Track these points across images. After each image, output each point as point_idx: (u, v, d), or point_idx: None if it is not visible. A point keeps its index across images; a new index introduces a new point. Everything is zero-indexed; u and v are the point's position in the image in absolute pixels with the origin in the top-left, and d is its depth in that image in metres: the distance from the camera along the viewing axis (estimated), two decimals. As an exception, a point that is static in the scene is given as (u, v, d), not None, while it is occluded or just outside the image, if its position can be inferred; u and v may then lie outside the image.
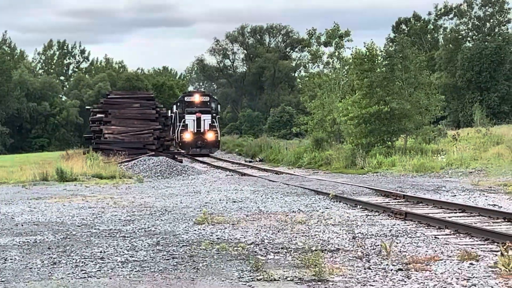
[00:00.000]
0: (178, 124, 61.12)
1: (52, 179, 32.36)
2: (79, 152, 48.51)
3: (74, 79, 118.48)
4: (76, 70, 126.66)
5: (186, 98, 62.79)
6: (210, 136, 60.10)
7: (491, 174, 29.45)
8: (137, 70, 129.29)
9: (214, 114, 61.81)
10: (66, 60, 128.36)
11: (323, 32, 52.83)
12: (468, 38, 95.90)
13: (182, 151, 55.81)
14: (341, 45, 51.37)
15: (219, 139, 62.12)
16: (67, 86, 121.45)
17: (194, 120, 60.00)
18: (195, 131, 59.88)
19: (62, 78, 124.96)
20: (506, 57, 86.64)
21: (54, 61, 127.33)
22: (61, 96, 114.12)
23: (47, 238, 14.93)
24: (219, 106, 66.52)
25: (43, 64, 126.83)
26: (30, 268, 11.72)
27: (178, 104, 63.29)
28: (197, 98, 62.13)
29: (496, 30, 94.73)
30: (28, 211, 20.08)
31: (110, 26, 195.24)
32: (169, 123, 62.29)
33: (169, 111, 68.30)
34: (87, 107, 68.41)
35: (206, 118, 60.30)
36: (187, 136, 60.00)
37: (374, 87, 39.78)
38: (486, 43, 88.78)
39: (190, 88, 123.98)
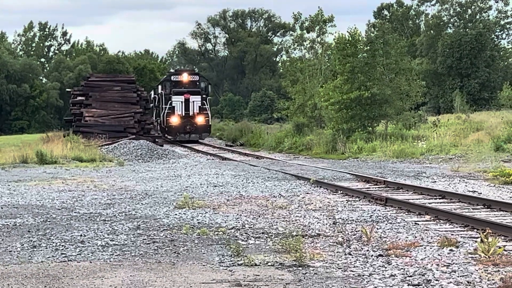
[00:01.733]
0: (163, 106, 55.14)
1: (32, 162, 32.20)
2: (59, 134, 48.25)
3: (54, 61, 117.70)
4: (57, 52, 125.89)
5: (173, 77, 56.89)
6: (200, 120, 54.23)
7: (470, 161, 29.57)
8: (118, 53, 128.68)
9: (204, 96, 55.74)
10: (47, 42, 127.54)
11: (307, 18, 52.82)
12: (450, 25, 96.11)
13: (169, 136, 53.90)
14: (325, 30, 51.36)
15: (210, 123, 56.17)
16: (48, 68, 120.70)
17: (182, 102, 54.10)
18: (183, 114, 53.97)
19: (42, 60, 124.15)
20: (487, 44, 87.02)
21: (35, 43, 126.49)
22: (41, 78, 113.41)
23: (27, 221, 14.86)
24: (209, 86, 60.16)
25: (24, 46, 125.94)
26: (9, 251, 11.66)
27: (164, 83, 57.37)
28: (185, 77, 56.37)
29: (478, 17, 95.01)
30: (7, 194, 19.97)
31: (92, 8, 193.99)
32: (150, 106, 61.63)
33: (152, 93, 65.42)
34: (67, 89, 67.48)
35: (196, 100, 54.40)
36: (174, 120, 54.02)
37: (355, 72, 39.80)
38: (467, 29, 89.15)
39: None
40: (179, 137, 53.75)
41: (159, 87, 58.21)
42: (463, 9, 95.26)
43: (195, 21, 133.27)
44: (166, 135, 54.77)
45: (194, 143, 52.19)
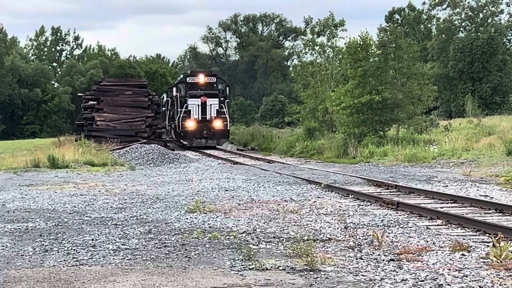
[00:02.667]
0: (178, 110, 51.77)
1: (44, 166, 32.29)
2: (71, 139, 48.44)
3: (66, 65, 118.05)
4: (69, 56, 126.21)
5: (188, 79, 53.45)
6: (217, 124, 51.15)
7: (482, 165, 29.48)
8: (130, 57, 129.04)
9: (222, 98, 52.47)
10: (59, 47, 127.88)
11: (318, 22, 52.92)
12: (461, 29, 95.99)
13: (184, 142, 51.20)
14: (335, 34, 51.42)
15: (228, 128, 53.00)
16: (59, 72, 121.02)
17: (198, 105, 50.96)
18: (200, 118, 50.87)
19: (54, 64, 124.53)
20: (498, 48, 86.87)
21: (47, 47, 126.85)
22: (53, 82, 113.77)
23: (38, 225, 14.89)
24: (227, 88, 56.36)
25: (36, 51, 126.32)
26: (21, 255, 11.68)
27: (179, 86, 53.80)
28: (201, 79, 52.92)
29: (489, 21, 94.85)
30: (19, 198, 20.02)
31: (104, 12, 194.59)
32: (162, 110, 61.32)
33: (164, 96, 62.82)
34: (79, 94, 67.57)
35: (213, 103, 51.22)
36: (190, 125, 50.92)
37: (367, 76, 39.75)
38: (478, 33, 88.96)
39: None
40: (195, 143, 50.96)
41: (174, 89, 54.58)
42: (475, 13, 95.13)
43: (207, 26, 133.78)
44: (181, 140, 51.95)
45: (211, 149, 49.78)
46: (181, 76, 58.95)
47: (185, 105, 51.17)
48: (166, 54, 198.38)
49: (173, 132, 55.51)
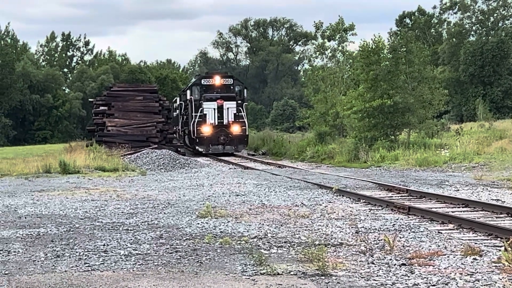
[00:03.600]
0: (193, 114, 48.77)
1: (55, 172, 32.38)
2: (82, 144, 48.57)
3: (77, 71, 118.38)
4: (80, 62, 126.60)
5: (203, 81, 50.47)
6: (235, 129, 48.27)
7: (494, 169, 29.41)
8: (140, 62, 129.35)
9: (240, 101, 49.41)
10: (70, 52, 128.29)
11: (328, 26, 52.96)
12: (472, 33, 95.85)
13: (200, 149, 48.29)
14: (345, 38, 51.44)
15: (247, 133, 49.92)
16: (70, 78, 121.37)
17: (214, 108, 48.06)
18: (216, 123, 48.03)
19: (65, 70, 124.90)
20: (510, 52, 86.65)
21: (57, 53, 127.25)
22: (64, 88, 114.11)
23: (50, 230, 14.94)
24: (245, 90, 52.62)
25: (46, 56, 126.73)
26: (33, 261, 11.72)
27: (193, 88, 50.70)
28: (217, 81, 50.08)
29: (500, 25, 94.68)
30: (31, 204, 20.09)
31: (115, 18, 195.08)
32: (174, 115, 61.00)
33: (177, 99, 60.79)
34: (90, 99, 67.66)
35: (231, 106, 48.35)
36: (206, 130, 48.06)
37: (378, 80, 39.71)
38: (489, 37, 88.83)
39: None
40: (211, 149, 48.01)
41: (188, 92, 51.21)
42: (485, 16, 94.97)
43: (217, 31, 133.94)
44: (196, 147, 48.81)
45: (228, 156, 47.06)
46: (195, 78, 54.78)
47: (200, 109, 48.28)
48: (176, 59, 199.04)
49: (187, 138, 52.86)
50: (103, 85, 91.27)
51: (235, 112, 48.39)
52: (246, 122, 49.53)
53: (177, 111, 60.08)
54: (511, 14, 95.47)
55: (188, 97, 50.27)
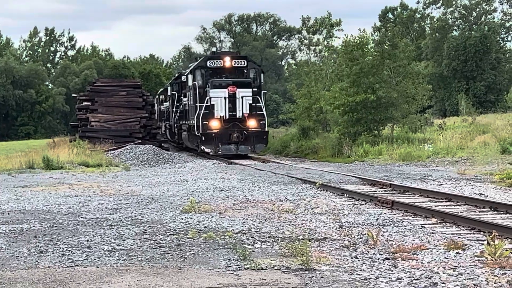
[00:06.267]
0: (196, 105, 39.05)
1: (39, 167, 32.26)
2: (65, 140, 48.48)
3: (60, 66, 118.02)
4: (63, 57, 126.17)
5: (209, 63, 40.25)
6: (252, 124, 38.51)
7: (477, 163, 29.53)
8: (124, 58, 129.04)
9: (257, 89, 39.62)
10: (53, 48, 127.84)
11: (316, 19, 53.04)
12: (455, 27, 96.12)
13: (206, 149, 39.06)
14: (332, 34, 51.51)
15: (266, 129, 39.86)
16: (53, 73, 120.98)
17: (225, 97, 38.09)
18: (227, 116, 38.24)
19: (48, 65, 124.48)
20: (492, 46, 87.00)
21: (41, 48, 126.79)
22: (47, 83, 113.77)
23: (33, 226, 14.88)
24: (262, 75, 41.73)
25: (29, 52, 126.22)
26: (16, 256, 11.67)
27: (195, 72, 40.42)
28: (228, 62, 39.99)
29: (482, 19, 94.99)
30: (14, 199, 20.00)
31: (101, 13, 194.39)
32: (158, 110, 60.28)
33: (169, 89, 52.68)
34: (73, 94, 67.24)
35: (246, 95, 38.36)
36: (214, 125, 38.37)
37: (362, 75, 39.73)
38: (472, 32, 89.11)
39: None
40: (221, 150, 38.58)
41: (189, 77, 41.18)
42: (468, 11, 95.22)
43: (201, 26, 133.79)
44: (202, 146, 39.10)
45: (241, 158, 38.38)
46: (199, 59, 43.28)
47: (206, 98, 38.38)
48: (161, 55, 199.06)
49: (185, 135, 43.50)
50: (87, 81, 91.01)
51: (251, 102, 38.55)
52: (266, 115, 39.93)
53: (166, 103, 54.84)
54: (494, 9, 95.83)
55: (190, 83, 40.80)
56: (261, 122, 38.88)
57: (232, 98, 38.09)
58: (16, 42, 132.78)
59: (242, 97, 38.18)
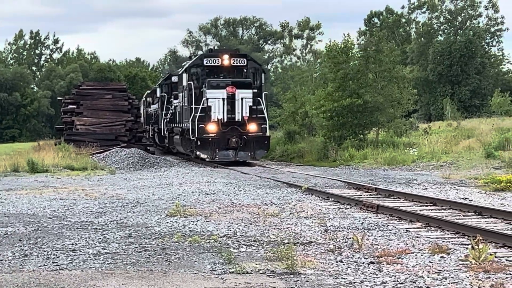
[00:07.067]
0: (191, 107, 36.20)
1: (23, 171, 32.14)
2: (50, 143, 48.26)
3: (45, 69, 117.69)
4: (48, 60, 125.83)
5: (206, 61, 37.31)
6: (252, 127, 35.89)
7: (461, 168, 29.63)
8: (109, 61, 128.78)
9: (258, 90, 36.95)
10: (38, 50, 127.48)
11: (295, 25, 53.16)
12: (440, 32, 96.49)
13: (202, 155, 36.27)
14: (313, 37, 51.59)
15: (267, 133, 37.31)
16: (39, 76, 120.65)
17: (223, 99, 35.30)
18: (225, 119, 35.48)
19: (33, 68, 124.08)
20: (477, 51, 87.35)
21: (26, 51, 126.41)
22: (32, 86, 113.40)
23: (18, 230, 14.83)
24: (263, 75, 39.21)
25: (14, 54, 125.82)
26: (0, 260, 11.62)
27: (191, 71, 37.89)
28: (226, 61, 37.05)
29: (468, 24, 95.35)
30: (-1, 203, 19.92)
31: (86, 15, 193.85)
32: (145, 113, 59.91)
33: (158, 90, 51.15)
34: (58, 98, 66.91)
35: (246, 96, 35.61)
36: (211, 128, 35.65)
37: (347, 79, 39.79)
38: (457, 37, 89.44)
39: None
40: (219, 156, 35.80)
41: (183, 77, 38.35)
42: (453, 16, 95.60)
43: (187, 29, 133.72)
44: (197, 152, 36.42)
45: (239, 164, 35.62)
46: (194, 58, 40.81)
47: (203, 99, 35.67)
48: (147, 58, 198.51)
49: (179, 139, 40.50)
50: (72, 84, 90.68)
51: (252, 104, 35.84)
52: (267, 118, 37.50)
53: (154, 105, 53.18)
54: (479, 14, 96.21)
55: (185, 82, 37.94)
56: (262, 126, 36.42)
57: (230, 100, 35.45)
58: (1, 45, 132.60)
59: (241, 99, 35.52)
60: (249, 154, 36.02)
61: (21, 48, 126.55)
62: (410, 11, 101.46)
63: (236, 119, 35.53)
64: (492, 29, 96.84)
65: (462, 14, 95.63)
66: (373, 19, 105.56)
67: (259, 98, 36.28)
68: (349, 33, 43.60)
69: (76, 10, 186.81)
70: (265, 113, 36.71)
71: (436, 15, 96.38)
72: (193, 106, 35.80)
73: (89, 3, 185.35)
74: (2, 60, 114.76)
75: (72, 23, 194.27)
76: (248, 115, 35.59)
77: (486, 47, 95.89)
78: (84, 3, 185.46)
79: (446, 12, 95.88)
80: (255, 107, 35.90)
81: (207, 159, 35.99)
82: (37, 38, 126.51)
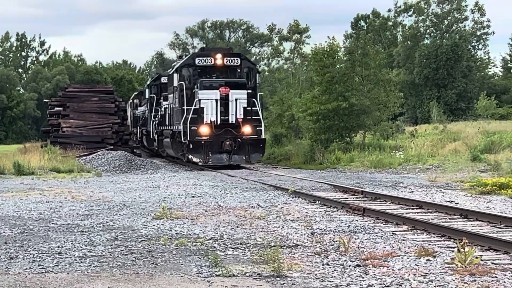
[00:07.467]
0: (182, 108, 34.66)
1: (9, 173, 32.03)
2: (36, 145, 48.10)
3: (32, 71, 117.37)
4: (35, 62, 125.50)
5: (198, 61, 35.39)
6: (247, 130, 34.22)
7: (448, 171, 29.70)
8: (96, 63, 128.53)
9: (252, 90, 35.01)
10: (24, 53, 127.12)
11: (284, 28, 53.28)
12: (426, 35, 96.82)
13: (194, 159, 34.64)
14: (302, 41, 51.67)
15: (263, 135, 35.41)
16: (25, 78, 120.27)
17: (216, 100, 33.68)
18: (219, 121, 33.90)
19: (19, 70, 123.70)
20: (463, 55, 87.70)
21: (12, 53, 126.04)
22: (18, 88, 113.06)
23: (3, 232, 14.77)
24: (257, 75, 37.20)
25: (1, 57, 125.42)
26: (-14, 263, 11.59)
27: (183, 71, 35.84)
28: (219, 60, 35.16)
29: (454, 28, 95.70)
30: (-16, 205, 19.84)
31: (74, 18, 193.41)
32: (132, 115, 59.66)
33: (147, 91, 48.85)
34: (45, 100, 66.60)
35: (240, 97, 33.93)
36: (204, 131, 33.98)
37: (334, 82, 39.83)
38: (443, 40, 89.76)
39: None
40: (212, 159, 34.25)
41: (174, 77, 36.48)
42: (440, 20, 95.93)
43: (173, 32, 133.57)
44: (189, 155, 34.82)
45: (226, 167, 34.10)
46: (186, 57, 39.06)
47: (195, 100, 34.03)
48: (133, 60, 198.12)
49: (170, 142, 38.86)
50: (58, 86, 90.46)
51: (246, 105, 34.16)
52: (262, 120, 35.66)
53: (142, 107, 51.76)
54: (465, 17, 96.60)
55: (176, 83, 36.09)
56: (257, 128, 34.67)
57: (224, 101, 33.80)
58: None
59: (235, 100, 33.82)
60: (244, 157, 34.54)
61: (7, 50, 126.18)
62: (396, 15, 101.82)
63: (230, 121, 34.03)
64: (478, 33, 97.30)
65: (448, 18, 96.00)
66: (359, 22, 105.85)
67: (254, 99, 34.59)
68: (334, 36, 43.65)
69: (62, 12, 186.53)
70: (260, 114, 35.20)
71: (422, 19, 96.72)
72: (185, 107, 34.39)
73: (76, 5, 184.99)
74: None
75: (59, 25, 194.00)
76: (242, 117, 34.04)
77: (472, 50, 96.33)
78: (71, 5, 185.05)
79: (433, 15, 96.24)
80: (249, 108, 34.26)
81: (200, 163, 34.50)
82: (23, 40, 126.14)
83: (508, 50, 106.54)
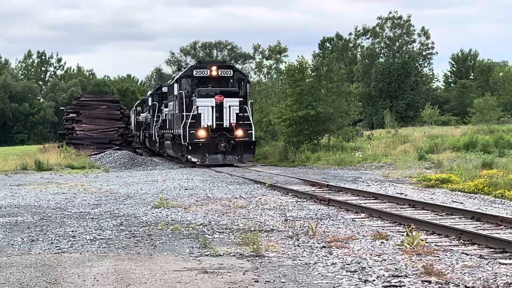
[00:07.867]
0: (183, 114, 33.82)
1: (31, 169, 31.86)
2: (54, 146, 47.82)
3: (50, 84, 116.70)
4: (53, 76, 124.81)
5: (195, 72, 34.73)
6: (239, 133, 33.60)
7: (398, 168, 29.78)
8: (104, 77, 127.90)
9: (243, 98, 34.41)
10: (44, 68, 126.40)
11: (266, 48, 53.36)
12: (381, 55, 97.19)
13: (193, 159, 33.72)
14: (281, 60, 51.79)
15: (253, 138, 34.72)
16: (44, 89, 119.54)
17: (212, 107, 33.09)
18: (214, 126, 33.22)
19: (40, 83, 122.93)
20: (411, 71, 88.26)
21: (34, 68, 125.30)
22: (39, 98, 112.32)
23: (26, 219, 14.69)
24: (248, 85, 36.26)
25: (24, 71, 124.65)
26: (12, 244, 11.52)
27: (183, 81, 34.96)
28: (214, 72, 34.56)
29: (404, 49, 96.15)
30: (10, 196, 19.72)
31: (85, 38, 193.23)
32: (135, 121, 59.45)
33: (149, 100, 47.77)
34: (61, 108, 66.32)
35: (233, 104, 33.40)
36: (201, 134, 33.31)
37: (303, 94, 39.85)
38: (395, 59, 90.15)
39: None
40: (209, 160, 33.42)
41: (175, 86, 35.73)
42: (392, 42, 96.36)
43: (170, 51, 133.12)
44: (188, 156, 33.87)
45: (219, 165, 33.13)
46: (184, 69, 39.20)
47: (193, 107, 33.34)
48: (137, 74, 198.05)
49: (170, 144, 37.57)
50: (73, 96, 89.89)
51: (238, 111, 33.59)
52: (253, 125, 34.86)
53: (144, 113, 50.49)
54: (413, 40, 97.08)
55: (176, 92, 35.38)
56: (249, 131, 33.92)
57: (219, 107, 33.11)
58: (13, 63, 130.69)
59: (229, 107, 33.20)
60: (237, 157, 33.87)
61: (30, 65, 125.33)
62: (356, 37, 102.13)
63: (224, 126, 33.35)
64: (424, 53, 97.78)
65: (399, 40, 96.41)
66: (325, 43, 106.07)
67: (245, 106, 34.02)
68: (303, 55, 43.76)
69: (76, 34, 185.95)
70: (251, 119, 34.40)
71: (378, 41, 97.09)
72: (184, 113, 33.60)
73: (88, 28, 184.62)
74: (14, 75, 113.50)
75: (74, 45, 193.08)
76: (235, 121, 33.41)
77: (419, 67, 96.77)
78: (84, 28, 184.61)
79: (386, 38, 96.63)
80: (241, 114, 33.63)
81: (198, 163, 33.59)
82: (43, 57, 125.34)
83: (449, 67, 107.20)
